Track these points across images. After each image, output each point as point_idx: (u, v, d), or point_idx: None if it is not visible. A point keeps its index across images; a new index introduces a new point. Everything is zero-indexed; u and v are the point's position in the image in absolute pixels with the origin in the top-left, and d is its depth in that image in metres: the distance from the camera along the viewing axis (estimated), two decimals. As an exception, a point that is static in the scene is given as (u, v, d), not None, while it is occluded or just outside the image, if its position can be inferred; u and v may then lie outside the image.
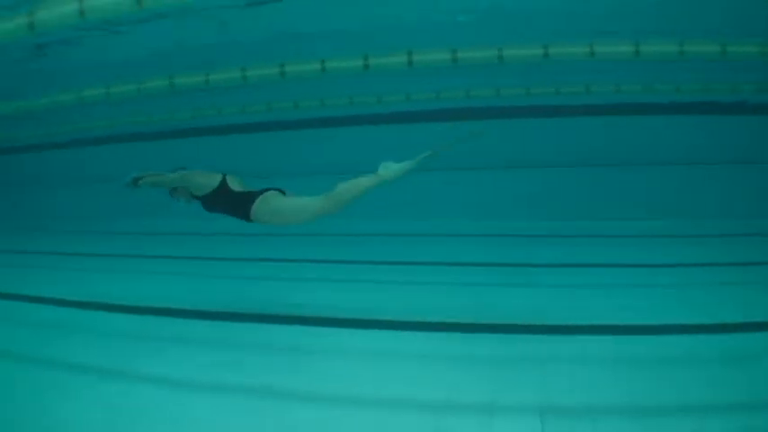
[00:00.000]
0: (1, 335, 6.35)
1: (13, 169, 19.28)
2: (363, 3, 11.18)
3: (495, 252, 10.42)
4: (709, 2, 9.97)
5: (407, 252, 10.77)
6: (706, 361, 4.87)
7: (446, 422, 3.83)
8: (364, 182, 5.72)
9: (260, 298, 7.56)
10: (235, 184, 6.19)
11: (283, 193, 6.07)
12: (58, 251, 12.64)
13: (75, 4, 4.92)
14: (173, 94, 9.27)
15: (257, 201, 6.00)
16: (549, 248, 10.63)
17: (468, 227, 12.76)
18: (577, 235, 11.63)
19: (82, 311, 7.19)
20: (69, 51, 12.69)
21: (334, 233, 11.62)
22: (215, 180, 6.20)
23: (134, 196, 7.50)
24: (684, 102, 12.78)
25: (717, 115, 12.97)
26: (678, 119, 13.21)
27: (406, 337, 5.82)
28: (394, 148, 6.10)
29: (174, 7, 10.47)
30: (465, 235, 12.25)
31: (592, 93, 11.06)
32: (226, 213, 6.30)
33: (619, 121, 13.58)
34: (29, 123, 14.88)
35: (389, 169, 5.59)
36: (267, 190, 6.07)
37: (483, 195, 13.99)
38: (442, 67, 7.83)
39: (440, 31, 10.52)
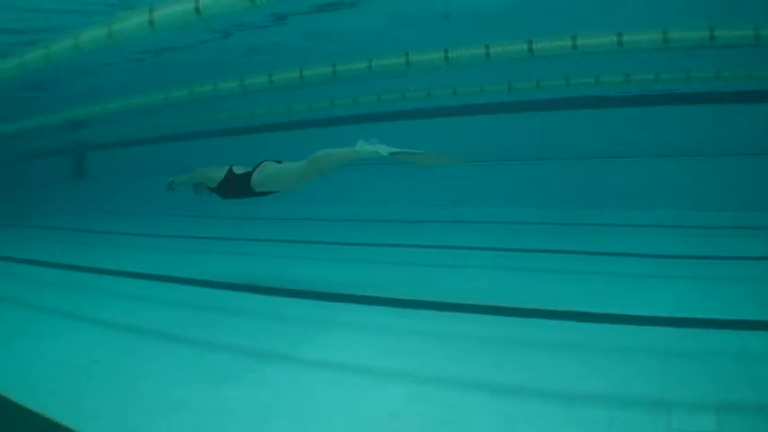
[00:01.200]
0: (161, 316, 6.45)
1: (149, 158, 20.43)
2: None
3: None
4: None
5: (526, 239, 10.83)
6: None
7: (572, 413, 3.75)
8: (342, 152, 6.22)
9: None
10: (240, 170, 6.96)
11: (279, 162, 6.75)
12: (205, 235, 13.06)
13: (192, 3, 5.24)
14: (271, 90, 9.75)
15: (255, 171, 6.78)
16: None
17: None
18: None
19: (235, 293, 7.38)
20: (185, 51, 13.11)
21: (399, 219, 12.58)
22: (223, 171, 7.05)
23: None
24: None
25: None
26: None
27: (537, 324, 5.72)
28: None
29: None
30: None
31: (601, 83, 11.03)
32: (237, 197, 7.16)
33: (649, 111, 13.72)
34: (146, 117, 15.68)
35: (364, 147, 5.98)
36: (264, 161, 6.85)
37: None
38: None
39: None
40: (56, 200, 23.34)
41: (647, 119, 13.64)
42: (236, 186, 6.97)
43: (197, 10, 5.26)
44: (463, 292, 6.80)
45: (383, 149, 5.95)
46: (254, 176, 6.74)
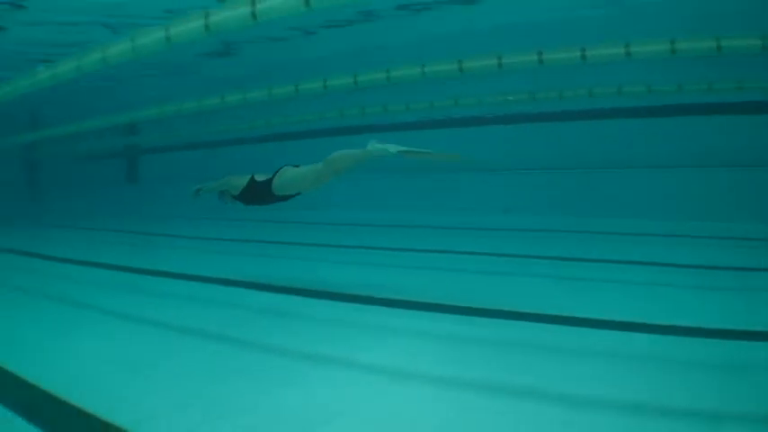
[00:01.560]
0: (219, 318, 6.43)
1: (200, 163, 20.66)
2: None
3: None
4: None
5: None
6: None
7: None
8: (354, 153, 6.60)
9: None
10: (261, 178, 7.24)
11: (297, 166, 7.03)
12: (246, 238, 13.08)
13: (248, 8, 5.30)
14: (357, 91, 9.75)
15: (275, 177, 7.07)
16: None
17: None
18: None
19: (298, 298, 7.23)
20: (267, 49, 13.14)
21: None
22: (245, 180, 7.37)
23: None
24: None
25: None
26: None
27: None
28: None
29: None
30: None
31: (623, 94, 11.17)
32: (259, 203, 7.44)
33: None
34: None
35: (375, 147, 6.31)
36: (283, 166, 7.13)
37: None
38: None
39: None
40: (108, 202, 23.74)
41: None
42: (257, 193, 7.29)
43: (253, 15, 5.27)
44: (517, 299, 6.66)
45: (392, 148, 6.28)
46: (275, 181, 7.05)
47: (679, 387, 4.12)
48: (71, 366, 4.94)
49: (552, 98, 11.49)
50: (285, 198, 7.27)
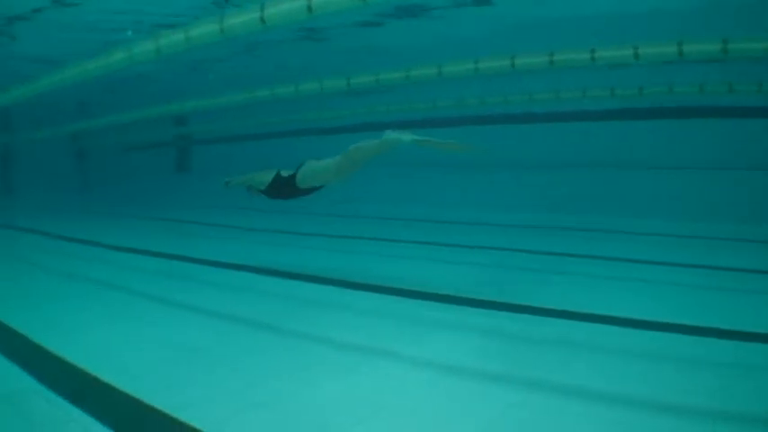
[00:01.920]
0: (264, 308, 6.49)
1: (249, 154, 20.67)
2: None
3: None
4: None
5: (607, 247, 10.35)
6: None
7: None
8: (371, 144, 6.82)
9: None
10: (286, 173, 7.54)
11: (319, 160, 7.30)
12: (302, 231, 12.97)
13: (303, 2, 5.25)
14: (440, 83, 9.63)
15: (298, 171, 7.36)
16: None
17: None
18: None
19: (334, 288, 7.30)
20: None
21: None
22: (271, 175, 7.66)
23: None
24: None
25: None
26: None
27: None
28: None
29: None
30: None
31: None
32: (284, 197, 7.82)
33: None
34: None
35: (390, 136, 6.51)
36: (306, 161, 7.41)
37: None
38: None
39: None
40: (159, 191, 23.98)
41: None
42: (283, 187, 7.57)
43: (309, 8, 5.23)
44: (571, 299, 6.54)
45: (407, 137, 6.47)
46: (298, 175, 7.33)
47: (735, 390, 4.05)
48: (116, 351, 5.00)
49: (605, 96, 11.31)
50: (309, 191, 7.52)
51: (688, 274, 8.08)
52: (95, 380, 4.28)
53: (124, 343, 5.26)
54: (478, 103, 12.67)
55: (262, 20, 5.59)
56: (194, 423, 3.54)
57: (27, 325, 5.68)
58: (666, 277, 7.87)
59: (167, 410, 3.71)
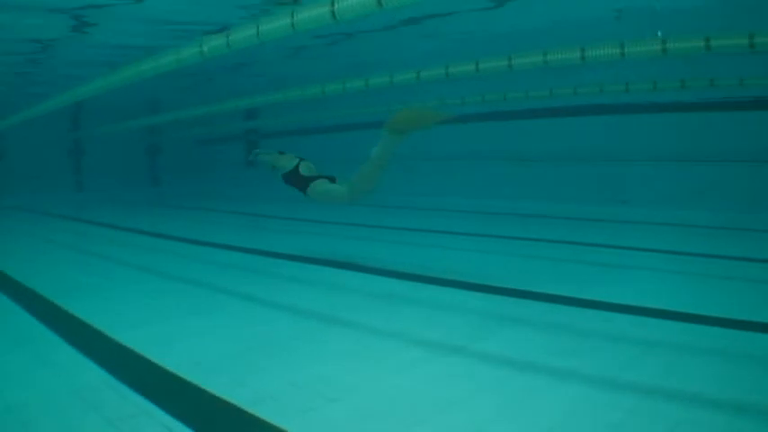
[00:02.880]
0: (330, 301, 6.51)
1: (318, 147, 20.79)
2: None
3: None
4: None
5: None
6: None
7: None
8: (366, 167, 7.33)
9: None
10: (304, 169, 8.15)
11: (332, 180, 7.95)
12: (371, 224, 12.93)
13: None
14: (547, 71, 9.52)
15: (311, 184, 7.97)
16: None
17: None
18: None
19: (423, 285, 7.15)
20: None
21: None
22: (293, 163, 8.24)
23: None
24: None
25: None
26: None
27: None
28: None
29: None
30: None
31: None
32: (294, 187, 8.24)
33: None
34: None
35: (372, 151, 6.99)
36: (319, 177, 8.02)
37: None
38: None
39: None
40: (229, 185, 24.29)
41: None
42: (295, 183, 8.17)
43: (379, 3, 5.16)
44: (634, 294, 6.41)
45: (382, 143, 7.13)
46: (310, 189, 7.98)
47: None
48: (188, 345, 5.07)
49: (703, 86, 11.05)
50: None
51: None
52: (168, 373, 4.34)
53: (196, 336, 5.32)
54: (548, 95, 12.44)
55: (332, 15, 5.53)
56: (268, 418, 3.56)
57: (99, 318, 5.80)
58: None
59: (241, 405, 3.74)
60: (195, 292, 7.12)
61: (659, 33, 7.51)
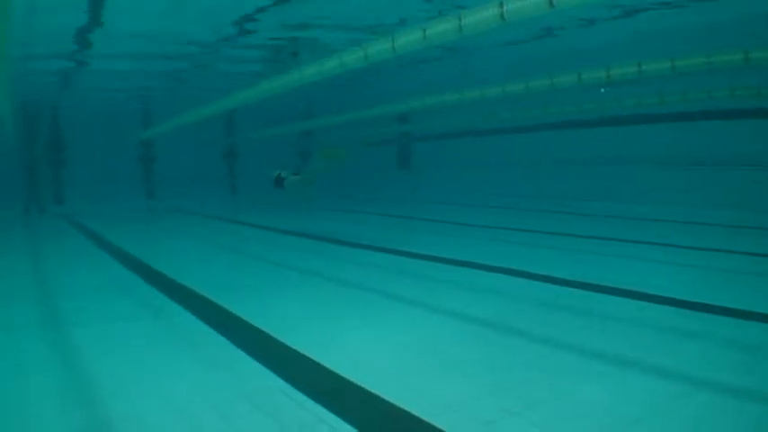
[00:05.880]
0: (497, 308, 6.38)
1: (467, 151, 21.18)
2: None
3: None
4: None
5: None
6: None
7: None
8: (316, 164, 10.42)
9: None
10: (283, 173, 12.48)
11: (296, 174, 12.44)
12: (529, 228, 12.72)
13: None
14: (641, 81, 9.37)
15: (286, 179, 12.34)
16: None
17: None
18: None
19: (591, 294, 6.94)
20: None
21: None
22: (275, 172, 12.59)
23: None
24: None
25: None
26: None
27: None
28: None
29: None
30: None
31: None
32: (279, 188, 12.57)
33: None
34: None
35: (310, 166, 8.95)
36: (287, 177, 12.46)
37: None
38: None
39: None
40: (382, 187, 24.54)
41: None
42: (278, 184, 12.62)
43: (550, 3, 5.09)
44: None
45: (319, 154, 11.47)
46: (286, 183, 12.04)
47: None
48: (357, 350, 5.09)
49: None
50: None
51: None
52: (342, 379, 4.36)
53: (364, 341, 5.32)
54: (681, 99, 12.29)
55: (501, 16, 5.50)
56: (445, 428, 3.52)
57: (268, 323, 5.90)
58: None
59: (421, 415, 3.69)
60: (360, 296, 7.15)
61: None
